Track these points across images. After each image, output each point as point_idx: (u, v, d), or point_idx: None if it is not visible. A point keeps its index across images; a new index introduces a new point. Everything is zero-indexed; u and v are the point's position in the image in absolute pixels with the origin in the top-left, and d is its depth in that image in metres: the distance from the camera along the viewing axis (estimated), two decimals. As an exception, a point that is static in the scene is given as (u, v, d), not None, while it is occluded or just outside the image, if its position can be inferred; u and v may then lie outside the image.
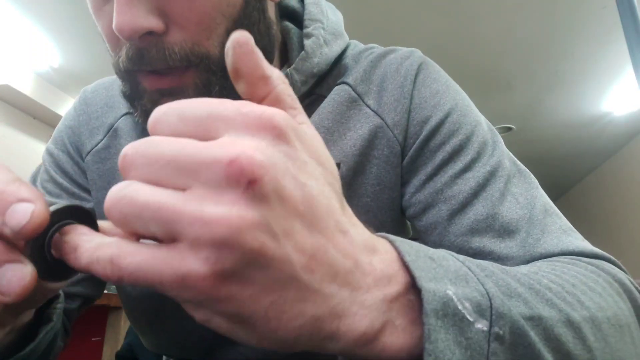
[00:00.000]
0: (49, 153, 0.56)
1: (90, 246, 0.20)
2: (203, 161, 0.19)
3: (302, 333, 0.20)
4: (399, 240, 0.25)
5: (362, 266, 0.22)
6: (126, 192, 0.19)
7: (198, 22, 0.37)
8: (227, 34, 0.39)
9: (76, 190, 0.54)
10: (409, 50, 0.52)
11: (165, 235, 0.19)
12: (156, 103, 0.38)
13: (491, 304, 0.24)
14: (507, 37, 2.50)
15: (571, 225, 0.43)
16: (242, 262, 0.18)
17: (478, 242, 0.42)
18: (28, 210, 0.20)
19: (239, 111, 0.20)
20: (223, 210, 0.18)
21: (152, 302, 0.49)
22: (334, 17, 0.53)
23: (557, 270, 0.33)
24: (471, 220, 0.43)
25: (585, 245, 0.40)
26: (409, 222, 0.55)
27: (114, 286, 2.21)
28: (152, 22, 0.35)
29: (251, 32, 0.41)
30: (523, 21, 2.37)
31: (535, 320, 0.26)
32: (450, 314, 0.22)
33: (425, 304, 0.22)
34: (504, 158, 0.46)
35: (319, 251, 0.20)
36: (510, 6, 2.25)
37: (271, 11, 0.46)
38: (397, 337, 0.22)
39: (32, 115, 3.06)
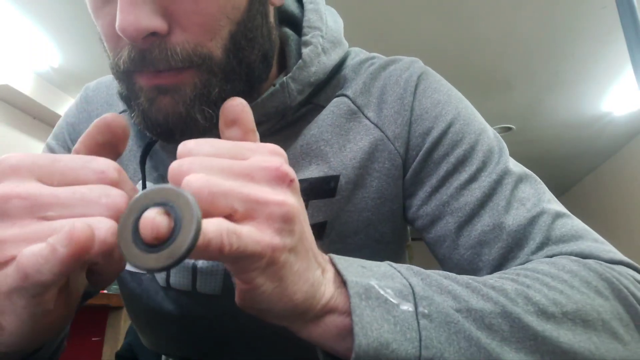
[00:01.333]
0: (50, 148, 0.56)
1: (213, 222, 0.24)
2: (257, 167, 0.26)
3: (307, 296, 0.27)
4: (334, 255, 0.31)
5: (319, 253, 0.30)
6: (212, 178, 0.25)
7: (202, 24, 0.37)
8: (231, 36, 0.39)
9: None
10: (409, 60, 0.51)
11: (244, 210, 0.25)
12: (153, 101, 0.38)
13: (413, 290, 0.29)
14: (507, 37, 2.50)
15: (584, 226, 0.43)
16: (296, 236, 0.27)
17: (487, 254, 0.42)
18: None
19: (259, 146, 0.29)
20: (284, 197, 0.26)
21: (152, 301, 0.49)
22: (334, 25, 0.51)
23: (520, 274, 0.34)
24: (479, 232, 0.42)
25: (595, 248, 0.40)
26: (408, 229, 0.55)
27: (115, 286, 2.22)
28: (156, 23, 0.35)
29: (254, 35, 0.41)
30: (523, 21, 2.37)
31: (464, 312, 0.29)
32: (374, 297, 0.28)
33: (349, 289, 0.28)
34: (510, 164, 0.45)
35: (310, 236, 0.29)
36: (510, 6, 2.25)
37: (271, 16, 0.45)
38: (336, 320, 0.29)
39: (32, 115, 3.05)
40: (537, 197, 0.43)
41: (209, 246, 0.23)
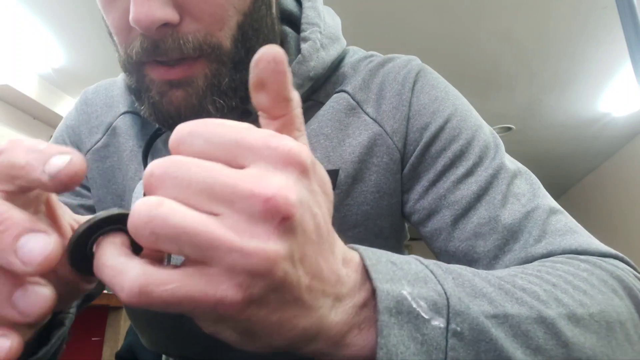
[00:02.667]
0: None
1: (116, 270, 0.20)
2: (241, 193, 0.20)
3: (292, 341, 0.23)
4: (362, 248, 0.27)
5: (342, 278, 0.24)
6: (159, 212, 0.19)
7: (211, 14, 0.38)
8: (238, 26, 0.40)
9: (76, 189, 0.54)
10: (407, 58, 0.52)
11: (198, 258, 0.19)
12: (164, 94, 0.39)
13: (448, 302, 0.25)
14: (507, 37, 2.50)
15: (577, 223, 0.43)
16: (268, 289, 0.20)
17: (483, 245, 0.42)
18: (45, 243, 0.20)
19: (268, 144, 0.21)
20: (259, 243, 0.19)
21: None
22: (332, 22, 0.53)
23: (542, 271, 0.33)
24: (475, 224, 0.43)
25: (590, 242, 0.40)
26: (406, 227, 0.56)
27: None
28: (169, 14, 0.36)
29: (259, 26, 0.42)
30: (523, 21, 2.37)
31: (500, 317, 0.27)
32: (405, 312, 0.24)
33: (379, 303, 0.24)
34: (506, 160, 0.46)
35: (317, 271, 0.22)
36: (510, 6, 2.25)
37: (274, 8, 0.47)
38: (359, 338, 0.24)
39: (33, 116, 3.06)
40: (531, 193, 0.44)
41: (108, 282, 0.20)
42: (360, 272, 0.25)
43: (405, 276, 0.26)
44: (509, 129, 3.64)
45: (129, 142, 0.51)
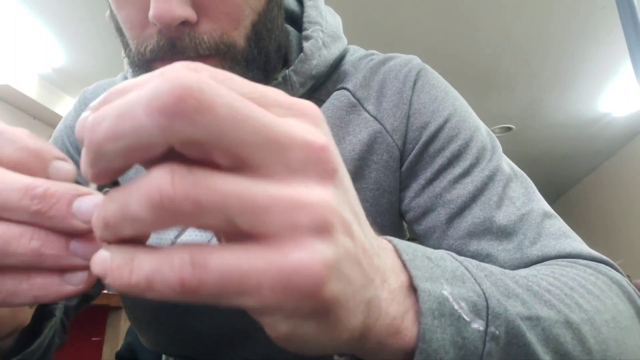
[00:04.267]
0: None
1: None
2: (296, 139, 0.17)
3: (361, 319, 0.20)
4: (396, 240, 0.25)
5: (380, 250, 0.23)
6: (199, 180, 0.15)
7: (228, 13, 0.39)
8: (252, 26, 0.41)
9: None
10: (408, 57, 0.53)
11: (253, 228, 0.16)
12: None
13: (487, 304, 0.24)
14: (507, 37, 2.50)
15: (569, 228, 0.43)
16: (339, 244, 0.17)
17: (476, 245, 0.42)
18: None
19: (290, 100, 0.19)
20: (314, 194, 0.17)
21: (153, 300, 0.49)
22: (333, 21, 0.53)
23: (556, 273, 0.33)
24: (469, 223, 0.43)
25: (583, 247, 0.41)
26: (406, 226, 0.56)
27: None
28: (188, 12, 0.37)
29: (272, 26, 0.43)
30: (523, 21, 2.37)
31: (534, 320, 0.26)
32: (447, 314, 0.23)
33: (421, 304, 0.22)
34: (503, 163, 0.46)
35: (364, 240, 0.20)
36: (509, 6, 2.25)
37: (282, 8, 0.47)
38: (402, 335, 0.22)
39: (33, 116, 3.06)
40: (526, 197, 0.44)
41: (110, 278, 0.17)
42: (397, 259, 0.24)
43: (443, 274, 0.24)
44: (509, 129, 3.64)
45: None
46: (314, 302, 0.17)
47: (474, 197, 0.43)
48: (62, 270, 0.21)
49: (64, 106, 3.06)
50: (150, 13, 0.36)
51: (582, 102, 3.25)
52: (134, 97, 0.15)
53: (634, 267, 3.57)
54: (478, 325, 0.23)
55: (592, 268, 0.36)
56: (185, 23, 0.37)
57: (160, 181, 0.15)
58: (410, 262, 0.24)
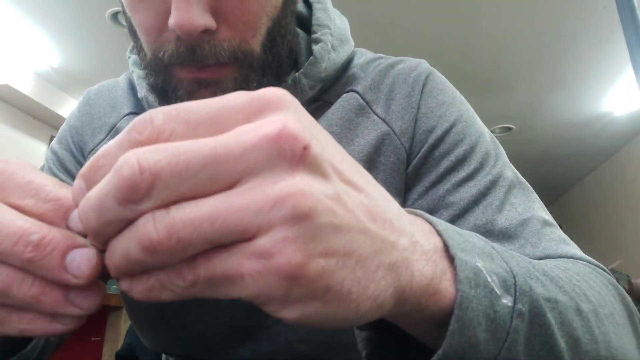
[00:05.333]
0: (53, 152, 0.57)
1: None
2: (249, 141, 0.17)
3: (387, 284, 0.20)
4: (422, 212, 0.26)
5: (403, 214, 0.22)
6: (172, 217, 0.17)
7: (246, 22, 0.40)
8: (268, 33, 0.42)
9: None
10: (417, 61, 0.53)
11: (233, 240, 0.17)
12: (192, 93, 0.40)
13: (515, 280, 0.25)
14: (507, 37, 2.50)
15: (567, 237, 0.45)
16: (321, 229, 0.18)
17: None
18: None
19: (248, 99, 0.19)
20: (285, 184, 0.17)
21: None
22: (341, 24, 0.54)
23: (561, 267, 0.34)
24: (471, 225, 0.43)
25: (582, 254, 0.42)
26: None
27: (114, 286, 2.22)
28: (208, 20, 0.37)
29: (285, 32, 0.44)
30: (523, 21, 2.37)
31: (552, 302, 0.26)
32: (482, 285, 0.23)
33: (459, 271, 0.22)
34: (506, 169, 0.47)
35: (366, 204, 0.20)
36: (510, 6, 2.25)
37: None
38: (439, 297, 0.22)
39: (32, 115, 3.06)
40: (527, 204, 0.45)
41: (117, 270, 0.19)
42: (427, 223, 0.24)
43: (474, 249, 0.25)
44: (509, 129, 3.64)
45: None
46: (302, 284, 0.17)
47: (477, 201, 0.44)
48: None
49: (64, 106, 3.06)
50: (172, 21, 0.36)
51: (582, 101, 3.25)
52: (101, 190, 0.18)
53: (634, 267, 3.57)
54: (507, 300, 0.24)
55: (591, 268, 0.37)
56: (205, 31, 0.38)
57: (146, 230, 0.17)
58: (444, 232, 0.24)
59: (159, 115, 0.18)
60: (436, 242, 0.23)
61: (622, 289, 0.36)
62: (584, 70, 2.84)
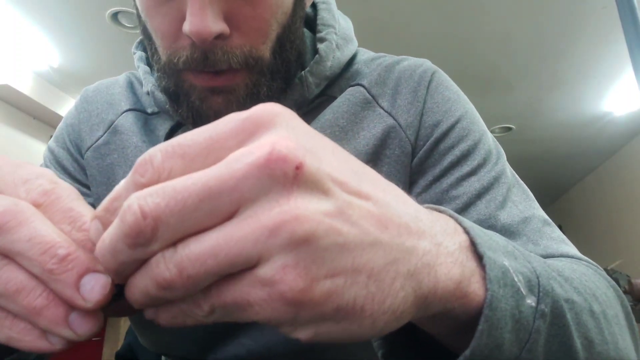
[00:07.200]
0: (50, 150, 0.57)
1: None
2: (239, 171, 0.17)
3: (407, 294, 0.19)
4: (444, 208, 0.25)
5: (422, 214, 0.22)
6: (187, 252, 0.18)
7: (257, 28, 0.41)
8: (277, 39, 0.43)
9: (75, 186, 0.54)
10: (420, 59, 0.55)
11: (239, 269, 0.18)
12: (205, 100, 0.42)
13: (539, 281, 0.24)
14: (507, 37, 2.50)
15: (566, 237, 0.45)
16: (323, 251, 0.17)
17: None
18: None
19: (240, 120, 0.19)
20: (282, 210, 0.17)
21: None
22: (345, 24, 0.55)
23: (569, 267, 0.34)
24: (474, 219, 0.43)
25: (580, 255, 0.42)
26: None
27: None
28: (222, 27, 0.38)
29: (294, 37, 0.45)
30: (523, 21, 2.37)
31: (570, 303, 0.26)
32: (509, 284, 0.23)
33: (489, 270, 0.22)
34: (507, 168, 0.48)
35: (377, 212, 0.19)
36: (510, 6, 2.25)
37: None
38: (468, 299, 0.22)
39: (32, 115, 3.05)
40: (527, 203, 0.46)
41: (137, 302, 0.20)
42: (450, 219, 0.24)
43: (498, 247, 0.24)
44: (509, 129, 3.64)
45: (133, 138, 0.52)
46: (309, 308, 0.18)
47: (479, 195, 0.44)
48: None
49: (64, 106, 3.06)
50: (187, 28, 0.37)
51: (582, 101, 3.25)
52: (112, 235, 0.19)
53: (634, 267, 3.57)
54: (531, 301, 0.23)
55: (592, 269, 0.37)
56: (218, 37, 0.39)
57: (158, 270, 0.18)
58: (471, 229, 0.23)
59: (157, 154, 0.19)
60: (462, 240, 0.23)
61: (620, 290, 0.37)
62: (584, 70, 2.84)
